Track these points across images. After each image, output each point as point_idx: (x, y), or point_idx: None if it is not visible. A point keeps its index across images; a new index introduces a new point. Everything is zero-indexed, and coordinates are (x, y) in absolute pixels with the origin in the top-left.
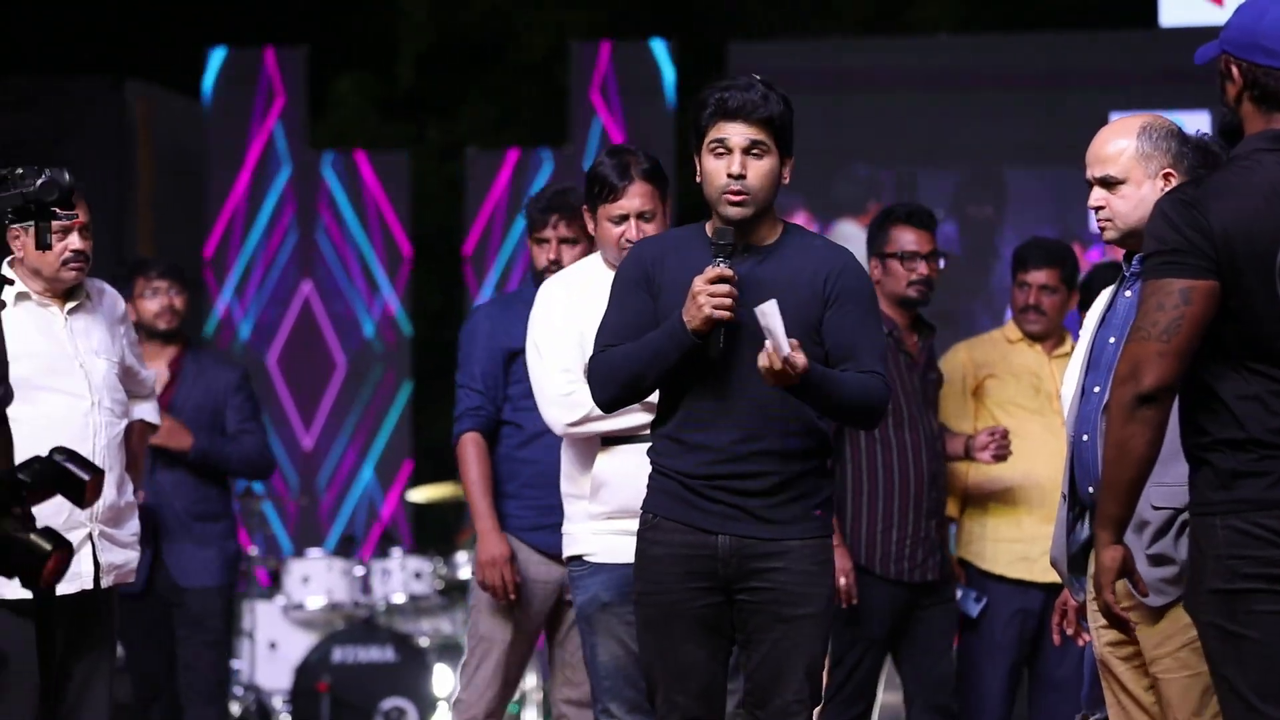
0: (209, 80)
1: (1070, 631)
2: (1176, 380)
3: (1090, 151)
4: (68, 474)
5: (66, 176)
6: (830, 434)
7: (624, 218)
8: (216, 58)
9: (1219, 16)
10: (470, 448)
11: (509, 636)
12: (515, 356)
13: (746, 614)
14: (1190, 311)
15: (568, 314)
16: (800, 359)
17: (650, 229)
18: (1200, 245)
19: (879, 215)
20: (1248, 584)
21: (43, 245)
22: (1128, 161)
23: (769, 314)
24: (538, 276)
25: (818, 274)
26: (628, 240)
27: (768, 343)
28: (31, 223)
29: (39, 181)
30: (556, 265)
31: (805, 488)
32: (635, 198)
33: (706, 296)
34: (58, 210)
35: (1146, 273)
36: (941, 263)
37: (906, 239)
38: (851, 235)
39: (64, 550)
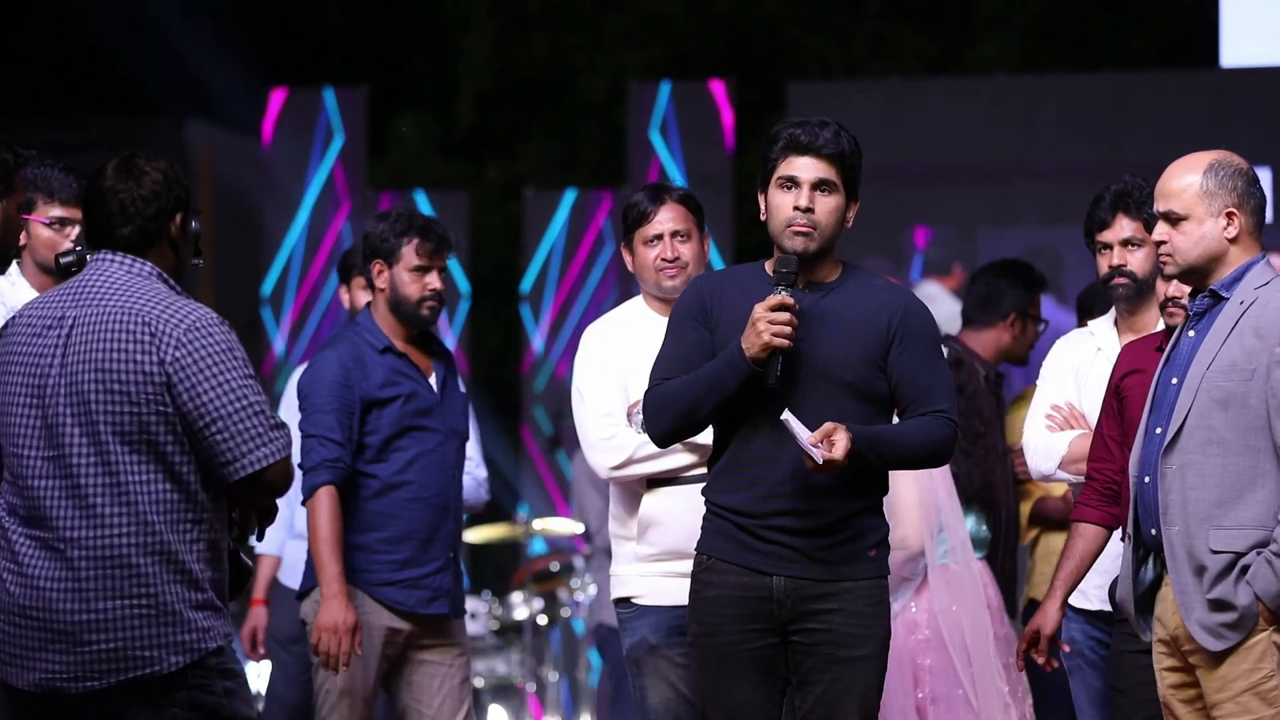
0: (269, 120)
1: (1040, 660)
2: None
3: (1159, 185)
4: None
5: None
6: (886, 473)
7: (658, 238)
8: (277, 98)
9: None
10: (326, 502)
11: (369, 684)
12: (374, 407)
13: (801, 655)
14: None
15: (609, 358)
16: (839, 451)
17: (685, 250)
18: None
19: (1022, 275)
20: None
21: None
22: (1191, 198)
23: (790, 420)
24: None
25: (880, 312)
26: (663, 260)
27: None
28: None
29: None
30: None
31: (859, 527)
32: (669, 218)
33: (766, 324)
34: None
35: None
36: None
37: (1040, 304)
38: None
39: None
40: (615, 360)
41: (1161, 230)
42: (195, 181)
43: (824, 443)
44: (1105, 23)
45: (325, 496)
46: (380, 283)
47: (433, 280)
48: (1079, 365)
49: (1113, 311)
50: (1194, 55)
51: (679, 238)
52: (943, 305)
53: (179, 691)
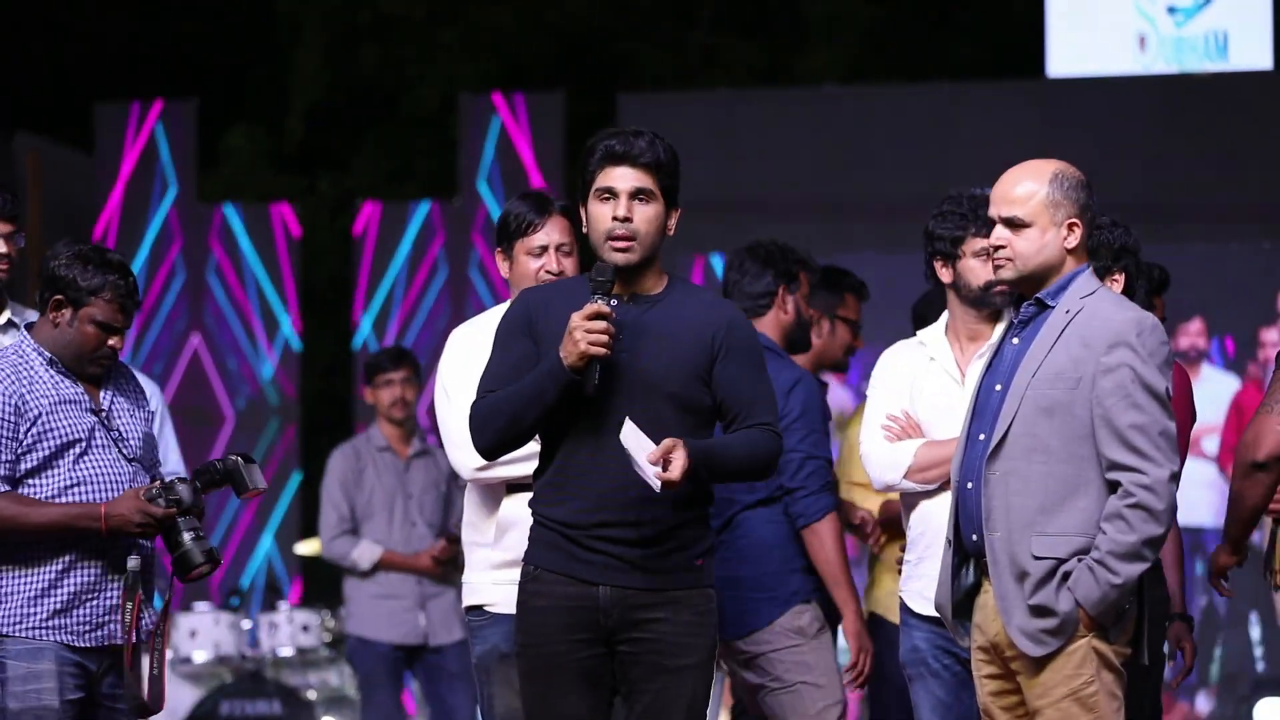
0: (99, 133)
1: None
2: None
3: (998, 190)
4: None
5: None
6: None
7: (543, 250)
8: (106, 111)
9: (1105, 67)
10: None
11: None
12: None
13: (628, 665)
14: None
15: (477, 359)
16: (675, 471)
17: (569, 264)
18: None
19: (827, 277)
20: None
21: None
22: (1036, 206)
23: (628, 438)
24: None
25: (705, 326)
26: (547, 272)
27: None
28: None
29: None
30: None
31: (686, 538)
32: (555, 230)
33: (583, 332)
34: None
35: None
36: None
37: (856, 307)
38: None
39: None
40: (482, 361)
41: (1001, 235)
42: (23, 194)
43: (661, 462)
44: (933, 33)
45: None
46: None
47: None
48: (914, 375)
49: (943, 320)
50: (1021, 65)
51: (563, 250)
52: None
53: None
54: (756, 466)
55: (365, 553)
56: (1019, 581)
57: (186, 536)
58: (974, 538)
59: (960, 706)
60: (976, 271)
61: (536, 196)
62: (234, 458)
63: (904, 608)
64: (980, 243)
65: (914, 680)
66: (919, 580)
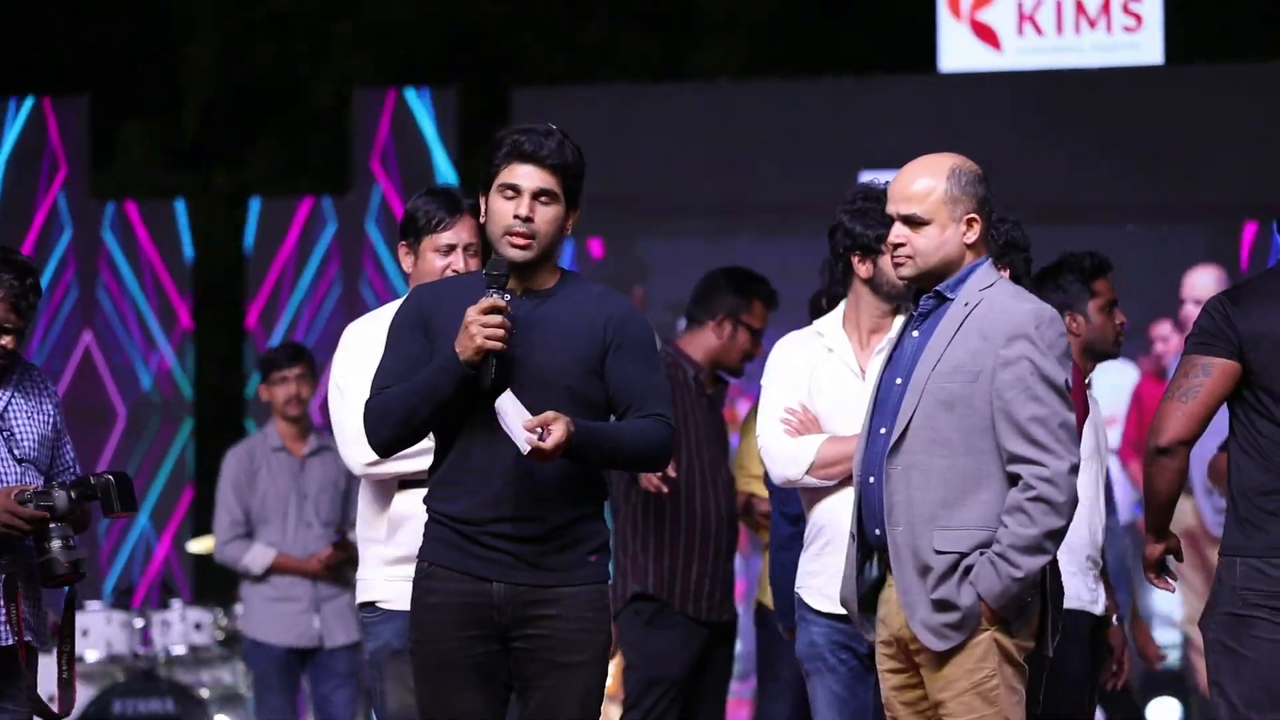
0: None
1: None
2: (1193, 437)
3: (895, 187)
4: None
5: None
6: (606, 480)
7: (451, 249)
8: None
9: (997, 62)
10: None
11: None
12: None
13: (522, 661)
14: (1209, 382)
15: (370, 355)
16: (550, 441)
17: (475, 265)
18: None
19: (742, 278)
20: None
21: None
22: (935, 203)
23: (503, 409)
24: None
25: (597, 318)
26: (454, 270)
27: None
28: None
29: None
30: None
31: (580, 533)
32: (464, 230)
33: (479, 326)
34: None
35: (1185, 350)
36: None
37: (764, 315)
38: None
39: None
40: (376, 357)
41: (901, 233)
42: None
43: (541, 429)
44: (827, 27)
45: None
46: None
47: None
48: (812, 367)
49: (840, 310)
50: (912, 60)
51: (470, 251)
52: None
53: None
54: (648, 453)
55: (258, 557)
56: (921, 576)
57: (55, 544)
58: (877, 532)
59: (856, 701)
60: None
61: (447, 194)
62: (108, 477)
63: (801, 603)
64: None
65: (811, 675)
66: (818, 576)
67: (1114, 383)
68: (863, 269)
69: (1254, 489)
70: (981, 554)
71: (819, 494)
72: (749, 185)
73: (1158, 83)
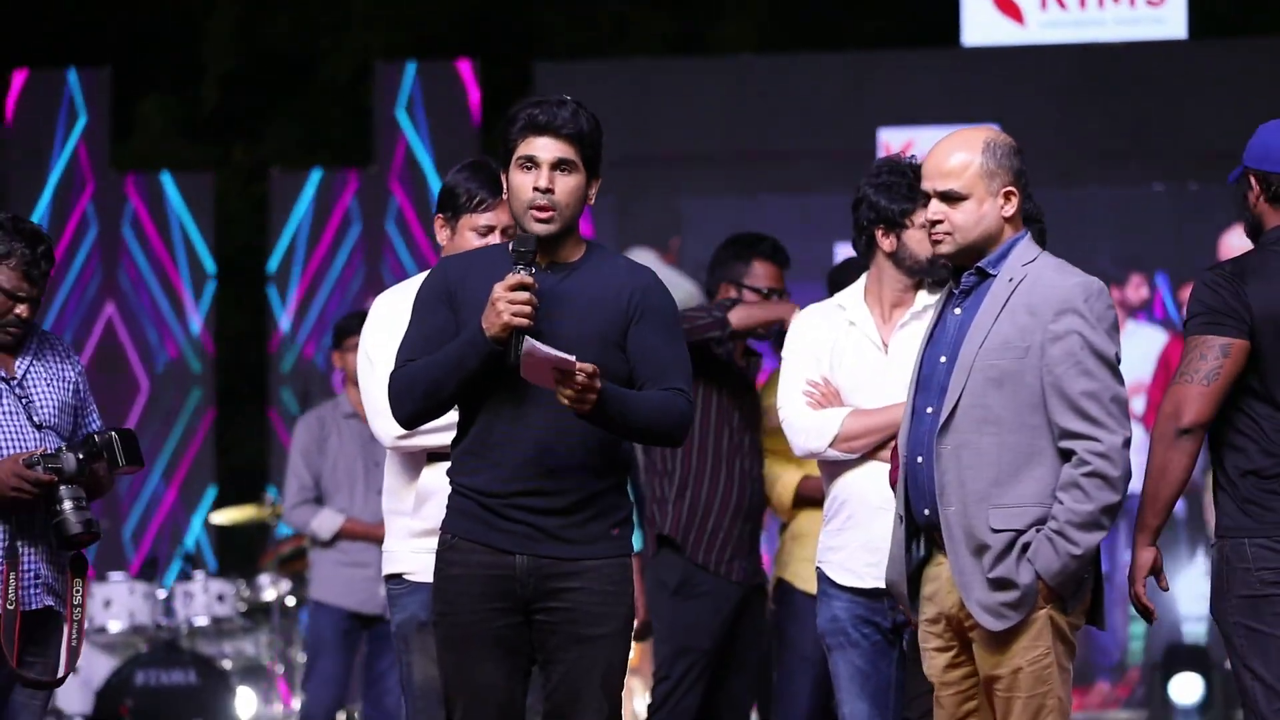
0: (11, 101)
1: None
2: (1211, 418)
3: (930, 164)
4: None
5: None
6: (631, 452)
7: (490, 230)
8: (19, 78)
9: (1020, 36)
10: None
11: None
12: None
13: (544, 634)
14: (1229, 364)
15: (400, 327)
16: (590, 365)
17: None
18: (1239, 310)
19: (741, 243)
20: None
21: None
22: (972, 177)
23: (533, 345)
24: None
25: (621, 291)
26: None
27: (557, 367)
28: None
29: None
30: None
31: (603, 506)
32: (504, 213)
33: (506, 303)
34: None
35: (1191, 330)
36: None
37: (767, 274)
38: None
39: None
40: (404, 328)
41: (938, 209)
42: None
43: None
44: (850, 2)
45: None
46: None
47: None
48: (834, 340)
49: (862, 283)
50: (935, 34)
51: (509, 234)
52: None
53: None
54: (665, 425)
55: (325, 522)
56: (976, 556)
57: (66, 505)
58: (926, 513)
59: (879, 676)
60: (925, 243)
61: (489, 173)
62: (110, 434)
63: (823, 577)
64: (920, 216)
65: (833, 650)
66: (840, 551)
67: (1142, 351)
68: (886, 243)
69: (1257, 471)
70: (1038, 531)
71: (840, 468)
72: (764, 157)
73: (1181, 57)
